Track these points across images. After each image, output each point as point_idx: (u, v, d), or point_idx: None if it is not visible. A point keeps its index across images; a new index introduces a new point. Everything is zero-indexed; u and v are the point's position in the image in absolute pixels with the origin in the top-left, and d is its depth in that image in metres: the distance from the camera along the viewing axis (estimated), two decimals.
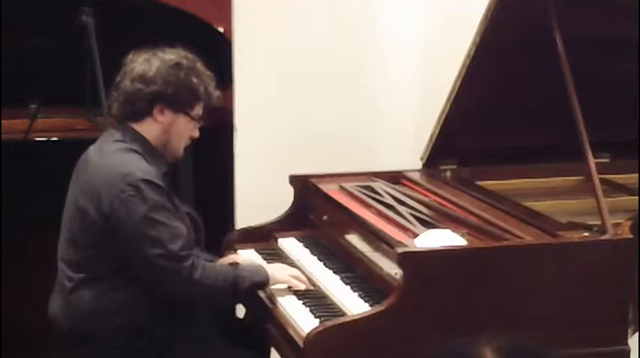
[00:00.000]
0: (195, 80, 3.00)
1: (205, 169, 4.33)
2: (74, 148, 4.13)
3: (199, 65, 3.04)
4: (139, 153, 2.96)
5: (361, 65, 4.14)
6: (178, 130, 3.02)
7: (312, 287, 3.05)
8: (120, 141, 2.98)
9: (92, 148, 3.06)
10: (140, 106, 2.98)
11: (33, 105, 4.11)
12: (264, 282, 3.02)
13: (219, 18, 4.33)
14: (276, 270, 3.07)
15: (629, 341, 2.90)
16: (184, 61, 3.00)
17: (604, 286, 2.84)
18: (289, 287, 3.05)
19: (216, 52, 4.23)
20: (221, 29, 4.37)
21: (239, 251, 3.39)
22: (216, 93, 3.06)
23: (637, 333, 3.02)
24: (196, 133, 3.08)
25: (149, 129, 3.00)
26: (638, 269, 2.86)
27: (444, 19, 4.09)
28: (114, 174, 2.89)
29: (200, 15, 4.34)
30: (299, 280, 3.05)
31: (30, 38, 4.14)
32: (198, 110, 3.05)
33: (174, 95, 2.97)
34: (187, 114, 3.02)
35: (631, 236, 2.87)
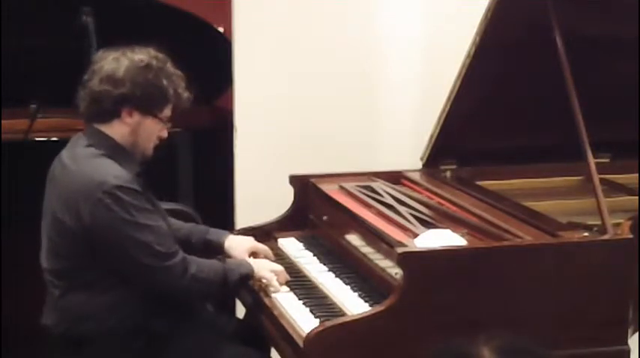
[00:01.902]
0: (164, 82, 2.96)
1: (205, 169, 4.33)
2: None
3: (169, 66, 3.00)
4: (109, 157, 2.93)
5: (361, 65, 4.14)
6: (146, 132, 2.99)
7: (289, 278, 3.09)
8: (89, 145, 2.95)
9: (65, 153, 3.02)
10: (107, 107, 2.94)
11: (33, 105, 4.11)
12: (249, 275, 3.04)
13: (219, 18, 4.33)
14: (259, 265, 3.09)
15: (629, 341, 2.90)
16: (154, 62, 2.96)
17: (604, 286, 2.84)
18: (287, 283, 3.07)
19: (216, 52, 4.24)
20: (221, 29, 4.37)
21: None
22: (186, 94, 3.02)
23: (637, 333, 3.02)
24: (165, 134, 3.04)
25: (117, 130, 2.96)
26: (638, 269, 2.86)
27: (444, 19, 4.09)
28: (88, 182, 2.86)
29: (200, 15, 4.34)
30: (280, 277, 3.06)
31: (30, 38, 4.14)
32: (167, 112, 3.01)
33: (142, 97, 2.94)
34: (156, 116, 2.98)
35: (631, 236, 2.87)
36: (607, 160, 3.60)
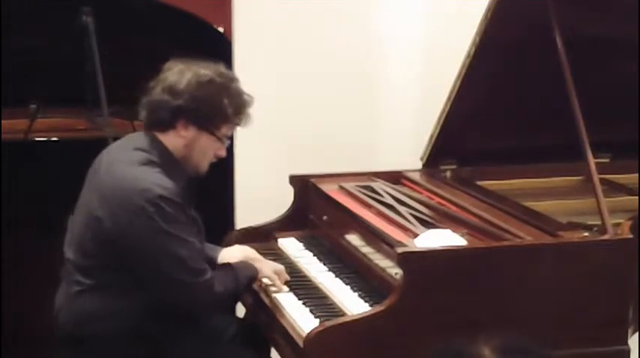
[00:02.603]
0: (225, 100, 2.92)
1: None
2: (74, 148, 4.14)
3: (235, 85, 2.96)
4: (159, 165, 2.88)
5: (361, 65, 4.14)
6: (201, 147, 2.95)
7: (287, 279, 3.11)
8: (141, 149, 2.91)
9: (112, 150, 3.00)
10: (164, 117, 2.91)
11: (33, 105, 4.11)
12: (254, 276, 3.06)
13: (219, 18, 4.33)
14: (262, 266, 3.10)
15: (629, 341, 2.90)
16: (218, 79, 2.92)
17: (604, 286, 2.84)
18: (287, 283, 3.09)
19: (216, 52, 4.23)
20: (221, 29, 4.37)
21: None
22: (249, 116, 2.98)
23: (637, 333, 3.02)
24: (223, 152, 3.00)
25: (172, 141, 2.93)
26: (638, 269, 2.86)
27: (444, 20, 4.09)
28: (132, 188, 2.81)
29: (200, 15, 4.34)
30: (280, 277, 3.08)
31: (30, 38, 4.13)
32: (225, 130, 2.96)
33: (198, 112, 2.90)
34: (212, 133, 2.94)
35: (631, 236, 2.87)
36: (607, 160, 3.60)
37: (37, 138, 4.08)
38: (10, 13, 4.09)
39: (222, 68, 2.98)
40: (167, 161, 2.92)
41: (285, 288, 3.06)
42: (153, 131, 2.95)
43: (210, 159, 3.01)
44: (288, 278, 3.10)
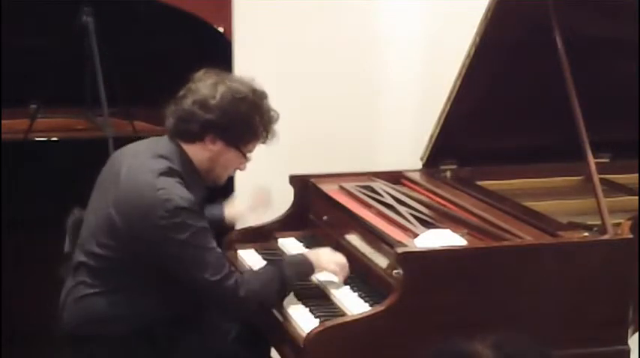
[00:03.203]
0: (256, 118, 2.92)
1: None
2: (74, 148, 4.14)
3: (265, 102, 2.95)
4: (180, 175, 2.86)
5: (361, 65, 4.14)
6: (226, 162, 2.95)
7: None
8: (164, 157, 2.88)
9: (133, 154, 2.95)
10: (193, 129, 2.89)
11: (33, 105, 4.11)
12: (309, 274, 3.01)
13: (219, 18, 4.33)
14: (322, 258, 3.02)
15: (629, 341, 2.90)
16: (250, 96, 2.91)
17: (604, 286, 2.84)
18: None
19: (216, 52, 4.24)
20: (221, 29, 4.38)
21: (239, 251, 3.40)
22: (275, 134, 2.99)
23: (637, 333, 3.02)
24: (244, 167, 3.01)
25: (197, 153, 2.91)
26: (638, 269, 2.86)
27: (444, 20, 4.09)
28: (153, 199, 2.78)
29: (200, 15, 4.34)
30: (343, 270, 3.01)
31: (30, 38, 4.14)
32: (251, 147, 2.97)
33: (229, 128, 2.89)
34: (239, 149, 2.94)
35: (631, 236, 2.87)
36: (607, 160, 3.60)
37: (37, 138, 4.09)
38: (10, 13, 4.09)
39: (254, 84, 2.96)
40: (189, 172, 2.91)
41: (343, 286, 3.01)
42: (178, 140, 2.93)
43: (230, 172, 3.02)
44: (348, 272, 3.02)
